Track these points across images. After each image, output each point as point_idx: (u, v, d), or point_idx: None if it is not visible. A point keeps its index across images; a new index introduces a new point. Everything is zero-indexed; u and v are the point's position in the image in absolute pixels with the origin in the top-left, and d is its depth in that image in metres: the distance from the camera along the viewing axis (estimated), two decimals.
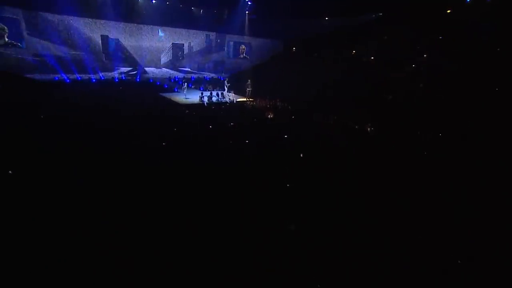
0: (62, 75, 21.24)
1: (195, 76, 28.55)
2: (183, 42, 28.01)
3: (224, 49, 30.36)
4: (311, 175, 7.47)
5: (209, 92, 17.71)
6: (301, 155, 9.13)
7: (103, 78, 23.17)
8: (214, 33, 29.21)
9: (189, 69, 29.21)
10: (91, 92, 18.59)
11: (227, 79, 19.28)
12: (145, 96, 18.46)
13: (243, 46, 31.35)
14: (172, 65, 28.10)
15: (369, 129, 13.99)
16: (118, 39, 24.74)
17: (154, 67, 27.13)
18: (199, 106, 16.49)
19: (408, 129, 13.57)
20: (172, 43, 27.40)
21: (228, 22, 28.13)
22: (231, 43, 30.66)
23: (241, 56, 31.69)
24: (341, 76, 23.79)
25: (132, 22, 25.07)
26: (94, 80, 22.26)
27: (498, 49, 18.01)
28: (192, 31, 28.14)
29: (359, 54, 26.88)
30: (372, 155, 9.91)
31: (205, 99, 17.06)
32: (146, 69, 26.55)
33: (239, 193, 6.18)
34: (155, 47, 26.71)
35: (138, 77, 24.13)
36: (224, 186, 6.51)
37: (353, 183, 7.16)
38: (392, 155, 10.11)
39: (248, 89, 19.74)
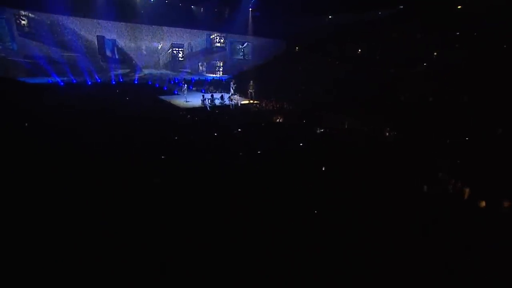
0: (56, 78, 19.89)
1: (195, 77, 27.20)
2: (183, 42, 26.65)
3: (225, 49, 28.99)
4: (339, 196, 6.13)
5: (211, 94, 16.37)
6: (323, 169, 7.80)
7: (99, 80, 21.82)
8: (215, 32, 27.83)
9: (189, 70, 27.86)
10: (86, 95, 17.26)
11: (233, 81, 17.91)
12: (144, 99, 17.15)
13: (245, 46, 29.99)
14: (171, 66, 26.75)
15: (387, 133, 12.66)
16: (115, 39, 23.42)
17: (153, 69, 25.78)
18: (202, 110, 15.16)
19: (430, 134, 12.25)
20: (172, 44, 26.04)
21: (230, 21, 26.77)
22: (233, 43, 29.30)
23: (243, 56, 30.33)
24: (348, 76, 22.54)
25: (130, 22, 23.74)
26: (89, 83, 20.90)
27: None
28: (192, 31, 26.79)
29: (364, 53, 25.44)
30: (400, 167, 8.58)
31: (208, 102, 15.72)
32: (145, 70, 25.21)
33: (258, 229, 4.83)
34: (153, 47, 25.36)
35: (136, 79, 22.78)
36: (236, 217, 5.15)
37: (389, 204, 5.84)
38: (422, 166, 8.80)
39: (250, 90, 18.35)
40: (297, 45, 30.74)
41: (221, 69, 29.45)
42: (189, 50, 27.23)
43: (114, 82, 21.92)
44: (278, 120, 13.78)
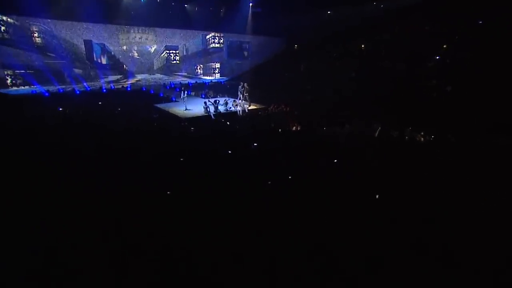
0: (40, 88, 17.69)
1: (192, 81, 25.15)
2: (177, 44, 24.55)
3: (223, 49, 26.95)
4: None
5: (214, 100, 14.36)
6: (376, 197, 5.95)
7: (88, 88, 19.67)
8: (212, 32, 25.77)
9: (185, 74, 25.80)
10: (75, 105, 15.18)
11: (242, 84, 15.91)
12: (138, 108, 15.11)
13: (244, 45, 28.01)
14: (166, 70, 24.65)
15: (422, 138, 10.91)
16: (104, 44, 21.23)
17: (147, 73, 23.66)
18: (206, 119, 13.21)
19: (470, 133, 10.53)
20: (166, 46, 23.93)
21: (227, 20, 24.75)
22: (231, 42, 27.27)
23: (242, 56, 28.34)
24: (356, 74, 20.81)
25: (119, 24, 21.55)
26: (78, 92, 18.72)
27: None
28: (187, 32, 24.70)
29: (369, 48, 23.58)
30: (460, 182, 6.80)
31: (211, 110, 13.78)
32: (138, 76, 23.08)
33: None
34: (146, 51, 23.21)
35: (129, 86, 20.65)
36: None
37: None
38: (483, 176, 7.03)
39: (245, 94, 15.99)
40: (296, 43, 28.86)
41: (218, 71, 27.43)
42: (185, 52, 25.15)
43: (105, 90, 19.78)
44: (295, 128, 11.92)
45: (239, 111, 14.15)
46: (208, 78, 26.68)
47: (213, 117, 13.35)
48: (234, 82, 24.14)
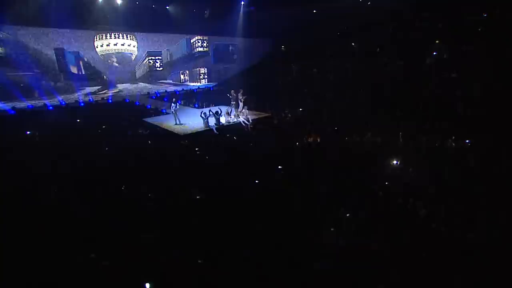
0: (2, 105, 14.92)
1: (178, 89, 22.89)
2: (160, 50, 22.20)
3: (209, 53, 24.85)
4: None
5: (216, 111, 12.26)
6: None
7: (63, 103, 17.01)
8: (196, 35, 23.62)
9: (170, 81, 23.47)
10: (46, 125, 12.69)
11: (241, 91, 13.95)
12: (124, 124, 12.84)
13: (231, 48, 26.06)
14: (150, 78, 22.22)
15: (453, 144, 9.53)
16: (78, 52, 18.55)
17: (129, 83, 21.14)
18: (208, 134, 11.21)
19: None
20: (148, 52, 21.52)
21: (212, 21, 22.66)
22: (217, 46, 25.25)
23: (229, 60, 26.38)
24: (354, 74, 19.47)
25: (95, 29, 18.96)
26: (51, 107, 16.05)
27: None
28: (170, 36, 22.41)
29: (361, 46, 22.15)
30: None
31: (212, 123, 11.80)
32: (119, 86, 20.53)
33: None
34: (126, 58, 20.70)
35: (110, 98, 18.14)
36: None
37: None
38: None
39: (236, 101, 14.01)
40: (285, 44, 27.27)
41: (205, 77, 25.30)
42: (168, 58, 22.84)
43: (82, 104, 17.19)
44: (313, 139, 10.21)
45: (243, 121, 12.26)
46: (195, 84, 24.48)
47: (215, 131, 11.37)
48: (223, 88, 22.19)
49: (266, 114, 14.17)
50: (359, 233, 5.05)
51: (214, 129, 11.48)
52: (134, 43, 20.83)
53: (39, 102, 16.59)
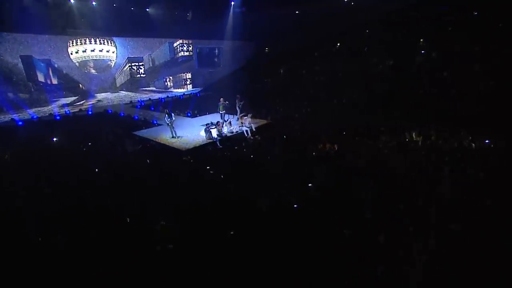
0: None
1: (163, 96, 21.21)
2: (141, 55, 20.39)
3: (192, 58, 23.35)
4: None
5: (218, 122, 10.96)
6: None
7: (35, 117, 14.92)
8: (179, 39, 22.06)
9: (154, 88, 21.70)
10: (17, 142, 10.82)
11: (239, 97, 12.75)
12: (111, 139, 11.21)
13: (215, 52, 24.71)
14: (131, 85, 20.35)
15: (473, 144, 9.04)
16: (49, 59, 16.41)
17: (109, 91, 19.16)
18: (210, 147, 9.92)
19: None
20: (128, 58, 19.65)
21: (195, 24, 21.23)
22: (203, 50, 23.82)
23: (213, 64, 25.01)
24: (345, 75, 18.94)
25: (67, 34, 16.89)
26: (20, 123, 13.93)
27: None
28: (151, 40, 20.66)
29: (349, 46, 21.54)
30: None
31: (215, 134, 10.52)
32: (98, 95, 18.52)
33: None
34: (105, 64, 18.72)
35: (90, 109, 16.18)
36: None
37: None
38: None
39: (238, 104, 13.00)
40: (271, 46, 26.36)
41: (190, 82, 23.77)
42: (151, 63, 21.06)
43: (58, 117, 15.13)
44: (328, 147, 9.30)
45: (246, 131, 11.10)
46: (180, 91, 22.88)
47: (219, 144, 10.11)
48: (211, 93, 20.84)
49: (266, 121, 13.09)
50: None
51: (217, 141, 10.21)
52: (112, 48, 18.89)
53: (4, 117, 14.38)
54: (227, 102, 12.73)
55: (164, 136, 11.07)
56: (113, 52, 18.96)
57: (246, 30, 22.75)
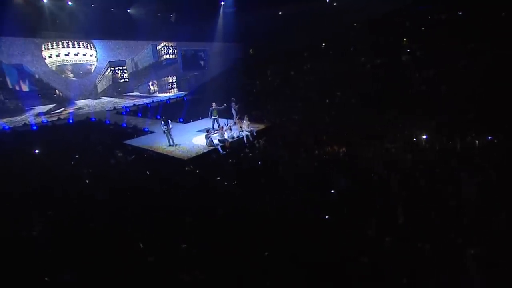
0: None
1: (148, 101, 20.02)
2: (123, 59, 19.11)
3: (177, 60, 22.31)
4: None
5: (218, 128, 10.27)
6: None
7: (7, 128, 13.38)
8: (162, 42, 20.97)
9: (138, 93, 20.44)
10: None
11: (234, 99, 12.10)
12: (100, 151, 10.15)
13: (201, 54, 23.83)
14: (114, 91, 19.00)
15: (476, 142, 9.03)
16: (21, 64, 14.81)
17: (89, 98, 17.71)
18: (216, 155, 9.20)
19: None
20: (109, 62, 18.31)
21: (179, 26, 20.27)
22: (187, 52, 22.84)
23: (199, 66, 24.10)
24: (335, 75, 18.80)
25: (41, 36, 15.38)
26: None
27: None
28: (133, 43, 19.44)
29: (335, 45, 21.43)
30: None
31: (215, 141, 9.81)
32: (78, 102, 17.06)
33: None
34: (84, 69, 17.30)
35: (71, 117, 14.80)
36: None
37: None
38: None
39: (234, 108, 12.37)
40: (253, 47, 25.86)
41: (175, 86, 22.70)
42: (134, 67, 19.80)
43: (35, 127, 13.65)
44: (334, 149, 8.93)
45: (247, 136, 10.48)
46: (165, 95, 21.75)
47: (221, 150, 9.41)
48: (199, 97, 19.98)
49: (265, 125, 12.53)
50: None
51: (219, 148, 9.51)
52: (92, 52, 17.50)
53: None
54: (224, 105, 12.04)
55: (161, 144, 10.18)
56: (92, 56, 17.56)
57: (232, 31, 22.11)
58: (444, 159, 7.78)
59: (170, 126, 10.14)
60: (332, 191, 6.41)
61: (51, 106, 15.91)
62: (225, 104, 12.02)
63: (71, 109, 16.31)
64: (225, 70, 23.45)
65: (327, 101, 16.18)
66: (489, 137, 9.13)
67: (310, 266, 4.24)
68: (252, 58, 24.84)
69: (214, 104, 11.73)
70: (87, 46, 17.23)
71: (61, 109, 16.18)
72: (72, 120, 14.64)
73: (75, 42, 16.62)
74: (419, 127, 10.60)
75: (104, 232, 5.21)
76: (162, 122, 10.12)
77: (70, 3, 15.95)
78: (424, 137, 9.59)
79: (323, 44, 22.52)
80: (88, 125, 14.05)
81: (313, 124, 12.44)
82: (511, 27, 13.28)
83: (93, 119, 14.70)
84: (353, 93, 15.73)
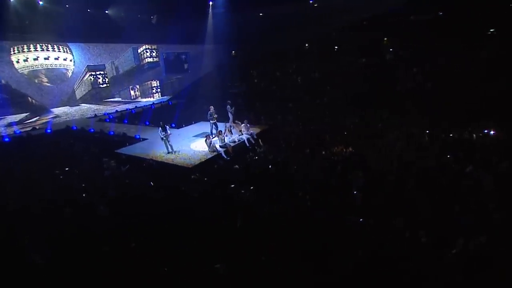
0: None
1: (131, 107, 18.85)
2: (103, 63, 17.84)
3: (159, 64, 21.31)
4: None
5: (219, 132, 9.72)
6: None
7: None
8: (143, 45, 19.92)
9: (120, 99, 19.19)
10: None
11: (229, 102, 11.56)
12: (88, 162, 9.23)
13: (183, 56, 22.96)
14: (94, 97, 17.66)
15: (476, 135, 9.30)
16: None
17: (67, 106, 16.30)
18: (223, 161, 8.65)
19: None
20: (88, 66, 17.00)
21: (160, 28, 19.32)
22: (169, 55, 21.90)
23: (182, 69, 23.22)
24: (319, 73, 18.86)
25: (8, 39, 13.87)
26: None
27: None
28: (112, 46, 18.26)
29: (320, 45, 21.51)
30: None
31: (217, 144, 9.27)
32: (55, 110, 15.62)
33: None
34: (60, 74, 15.89)
35: (49, 127, 13.44)
36: None
37: None
38: None
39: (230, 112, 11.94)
40: (234, 49, 25.38)
41: (158, 90, 21.66)
42: (114, 72, 18.57)
43: (7, 139, 12.20)
44: (342, 149, 8.76)
45: (248, 139, 10.03)
46: (148, 100, 20.65)
47: (225, 155, 8.87)
48: (183, 101, 19.16)
49: (263, 127, 12.15)
50: None
51: (223, 153, 8.97)
52: (68, 56, 16.13)
53: None
54: (233, 107, 11.59)
55: (158, 152, 9.42)
56: (69, 60, 16.17)
57: (216, 33, 21.53)
58: (452, 153, 7.87)
59: (169, 133, 9.43)
60: (355, 191, 6.18)
61: (24, 115, 14.38)
62: (232, 109, 11.51)
63: (47, 118, 14.86)
64: (210, 73, 22.78)
65: (318, 101, 16.19)
66: (485, 130, 9.49)
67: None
68: (236, 60, 24.37)
69: (212, 107, 11.12)
70: (61, 50, 15.83)
71: (35, 118, 14.69)
72: (51, 129, 13.28)
73: (47, 45, 15.17)
74: (416, 124, 10.85)
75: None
76: (160, 128, 9.37)
77: (41, 2, 14.57)
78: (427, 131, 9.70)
79: (306, 45, 22.67)
80: (70, 134, 12.79)
81: (310, 124, 12.27)
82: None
83: (75, 128, 13.43)
84: (343, 93, 15.87)
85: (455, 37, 14.78)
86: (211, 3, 18.98)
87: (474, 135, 9.33)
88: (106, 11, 17.28)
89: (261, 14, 23.80)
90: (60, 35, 15.27)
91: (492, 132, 9.17)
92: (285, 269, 4.23)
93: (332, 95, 16.41)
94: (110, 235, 5.17)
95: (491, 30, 15.41)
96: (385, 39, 19.17)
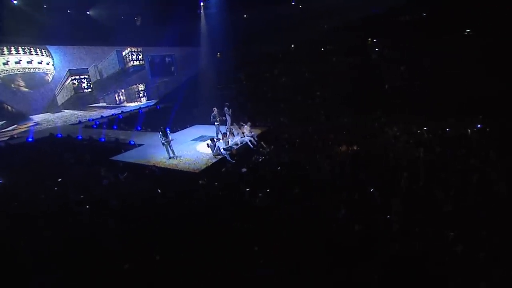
0: None
1: (117, 112, 17.91)
2: (86, 67, 16.83)
3: (144, 67, 20.48)
4: None
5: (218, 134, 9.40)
6: None
7: None
8: (128, 47, 19.06)
9: (104, 104, 18.19)
10: None
11: (228, 104, 11.18)
12: (80, 172, 8.56)
13: (169, 59, 22.24)
14: (77, 102, 16.59)
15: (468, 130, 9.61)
16: None
17: (48, 112, 15.17)
18: (229, 165, 8.31)
19: None
20: (69, 70, 15.95)
21: (145, 30, 18.59)
22: (155, 58, 21.12)
23: (167, 72, 22.49)
24: (314, 75, 18.93)
25: None
26: None
27: None
28: (94, 49, 17.27)
29: (305, 47, 21.66)
30: None
31: (221, 148, 8.92)
32: (35, 117, 14.48)
33: None
34: (39, 79, 14.77)
35: (31, 135, 12.38)
36: None
37: None
38: None
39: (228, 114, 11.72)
40: (219, 50, 24.95)
41: (145, 94, 20.82)
42: (98, 76, 17.57)
43: None
44: (346, 148, 8.75)
45: (250, 141, 9.76)
46: (135, 105, 19.75)
47: (230, 159, 8.54)
48: (171, 104, 18.49)
49: (263, 128, 11.92)
50: None
51: (227, 156, 8.64)
52: (47, 59, 15.02)
53: None
54: (230, 110, 11.22)
55: (159, 157, 8.90)
56: (44, 63, 15.02)
57: (202, 35, 21.05)
58: (457, 147, 8.05)
59: (170, 138, 8.95)
60: (372, 189, 6.12)
61: (1, 123, 13.17)
62: (230, 110, 11.16)
63: (27, 126, 13.73)
64: (196, 75, 22.21)
65: (310, 101, 16.24)
66: (478, 125, 9.87)
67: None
68: (223, 62, 23.97)
69: (215, 109, 10.68)
70: (39, 53, 14.72)
71: (12, 126, 13.50)
72: (33, 138, 12.23)
73: (25, 48, 14.05)
74: (410, 120, 11.12)
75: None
76: (160, 133, 8.86)
77: (15, 2, 13.48)
78: (424, 128, 9.92)
79: (291, 47, 22.73)
80: (55, 142, 11.85)
81: (308, 125, 12.20)
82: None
83: (60, 135, 12.47)
84: (334, 93, 16.03)
85: (438, 37, 15.47)
86: (202, 3, 18.49)
87: (469, 130, 9.67)
88: (88, 12, 16.32)
89: (245, 15, 23.68)
90: (38, 37, 14.17)
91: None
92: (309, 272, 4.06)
93: (323, 95, 16.57)
94: (126, 250, 4.73)
95: (467, 30, 16.19)
96: (369, 39, 19.62)
